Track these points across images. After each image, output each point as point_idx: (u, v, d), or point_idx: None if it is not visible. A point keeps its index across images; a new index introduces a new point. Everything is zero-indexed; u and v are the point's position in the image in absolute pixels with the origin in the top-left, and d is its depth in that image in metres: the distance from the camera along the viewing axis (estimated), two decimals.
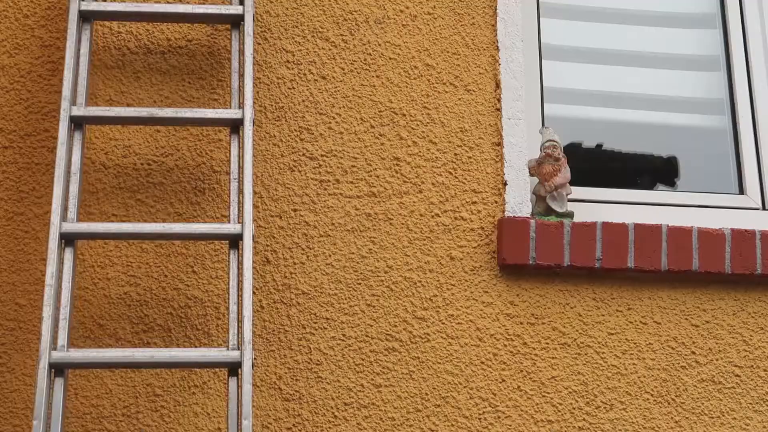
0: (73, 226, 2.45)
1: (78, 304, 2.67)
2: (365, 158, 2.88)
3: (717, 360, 2.93)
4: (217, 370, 2.68)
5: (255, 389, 2.70)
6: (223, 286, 2.74)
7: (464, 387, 2.79)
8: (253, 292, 2.74)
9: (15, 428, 2.60)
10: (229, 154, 2.62)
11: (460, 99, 2.96)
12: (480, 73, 2.99)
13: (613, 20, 3.35)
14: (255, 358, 2.65)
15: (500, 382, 2.81)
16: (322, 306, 2.77)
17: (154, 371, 2.67)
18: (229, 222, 2.58)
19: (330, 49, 2.92)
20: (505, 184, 2.92)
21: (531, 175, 2.95)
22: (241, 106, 2.65)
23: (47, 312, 2.31)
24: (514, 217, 2.88)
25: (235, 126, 2.62)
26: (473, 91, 2.97)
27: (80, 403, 2.63)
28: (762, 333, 2.97)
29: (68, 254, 2.44)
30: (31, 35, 2.79)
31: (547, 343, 2.86)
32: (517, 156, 2.94)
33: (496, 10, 3.03)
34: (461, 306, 2.83)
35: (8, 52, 2.77)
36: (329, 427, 2.71)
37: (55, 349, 2.32)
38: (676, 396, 2.89)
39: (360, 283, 2.80)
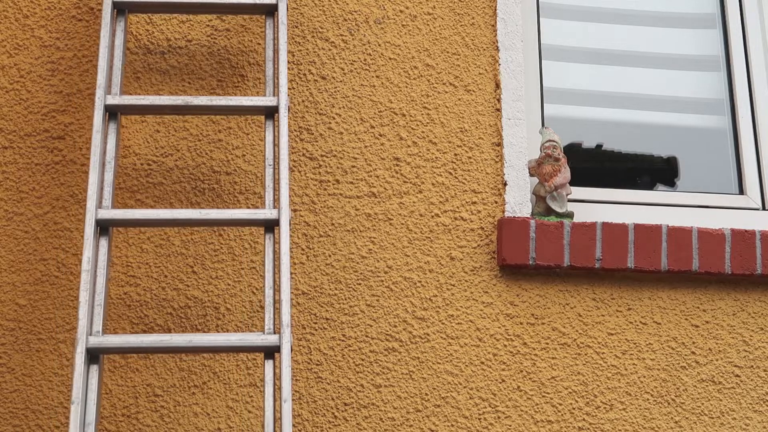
0: (109, 213, 2.46)
1: (77, 305, 2.67)
2: (365, 158, 2.88)
3: (717, 360, 2.93)
4: (217, 370, 2.69)
5: (255, 389, 2.70)
6: (223, 286, 2.74)
7: (464, 387, 2.79)
8: (253, 293, 2.75)
9: (15, 428, 2.60)
10: (264, 140, 2.63)
11: (460, 99, 2.96)
12: (480, 73, 2.99)
13: (613, 20, 3.36)
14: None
15: (500, 382, 2.81)
16: (322, 306, 2.77)
17: (154, 371, 2.67)
18: (264, 207, 2.58)
19: (330, 49, 2.92)
20: (505, 184, 2.92)
21: (531, 175, 2.95)
22: (275, 93, 2.68)
23: (84, 297, 2.33)
24: (514, 217, 2.88)
25: (270, 113, 2.64)
26: (473, 91, 2.97)
27: None
28: (762, 333, 2.97)
29: (103, 241, 2.46)
30: (31, 35, 2.79)
31: (547, 343, 2.86)
32: (517, 156, 2.94)
33: (496, 10, 3.03)
34: (461, 306, 2.83)
35: (8, 52, 2.77)
36: (329, 427, 2.71)
37: (90, 334, 2.34)
38: (676, 396, 2.89)
39: (360, 283, 2.80)
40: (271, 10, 2.75)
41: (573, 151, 3.16)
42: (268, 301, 2.46)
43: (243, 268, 2.76)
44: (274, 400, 2.36)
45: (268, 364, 2.40)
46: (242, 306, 2.73)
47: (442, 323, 2.82)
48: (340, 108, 2.89)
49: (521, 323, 2.86)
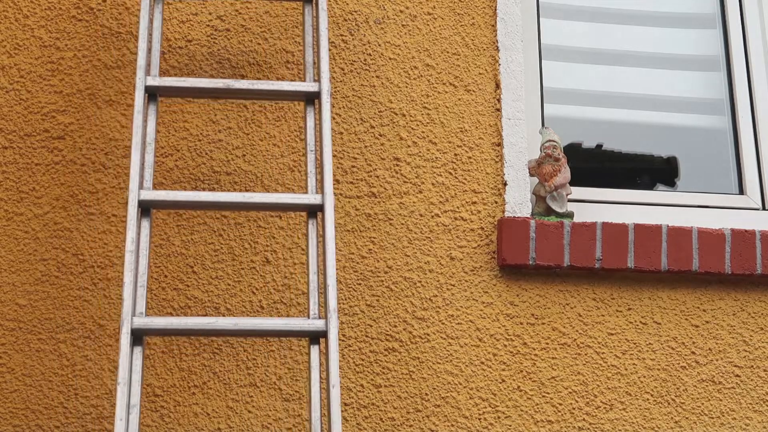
0: (151, 194, 2.42)
1: (77, 305, 2.67)
2: (365, 158, 2.88)
3: (717, 360, 2.93)
4: (217, 370, 2.69)
5: (255, 389, 2.70)
6: (223, 286, 2.74)
7: (464, 387, 2.79)
8: (253, 293, 2.75)
9: (15, 428, 2.60)
10: (305, 126, 2.61)
11: (460, 99, 2.96)
12: (480, 73, 2.99)
13: (613, 20, 3.36)
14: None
15: (500, 382, 2.81)
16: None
17: (155, 371, 2.67)
18: (306, 192, 2.56)
19: (330, 49, 2.92)
20: (505, 184, 2.92)
21: (531, 175, 2.95)
22: (316, 79, 2.67)
23: (128, 278, 2.29)
24: (514, 217, 2.88)
25: (310, 99, 2.62)
26: (473, 91, 2.97)
27: (80, 404, 2.63)
28: (762, 333, 2.97)
29: (145, 223, 2.42)
30: (31, 35, 2.79)
31: (547, 343, 2.86)
32: (517, 156, 2.94)
33: (496, 10, 3.03)
34: (461, 306, 2.83)
35: (8, 52, 2.77)
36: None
37: (134, 315, 2.31)
38: (676, 396, 2.89)
39: (360, 283, 2.80)
40: None
41: (573, 151, 3.16)
42: (312, 287, 2.43)
43: (243, 268, 2.76)
44: (321, 387, 2.34)
45: (314, 350, 2.38)
46: (242, 306, 2.73)
47: (442, 323, 2.82)
48: (340, 108, 2.89)
49: (521, 323, 2.86)
